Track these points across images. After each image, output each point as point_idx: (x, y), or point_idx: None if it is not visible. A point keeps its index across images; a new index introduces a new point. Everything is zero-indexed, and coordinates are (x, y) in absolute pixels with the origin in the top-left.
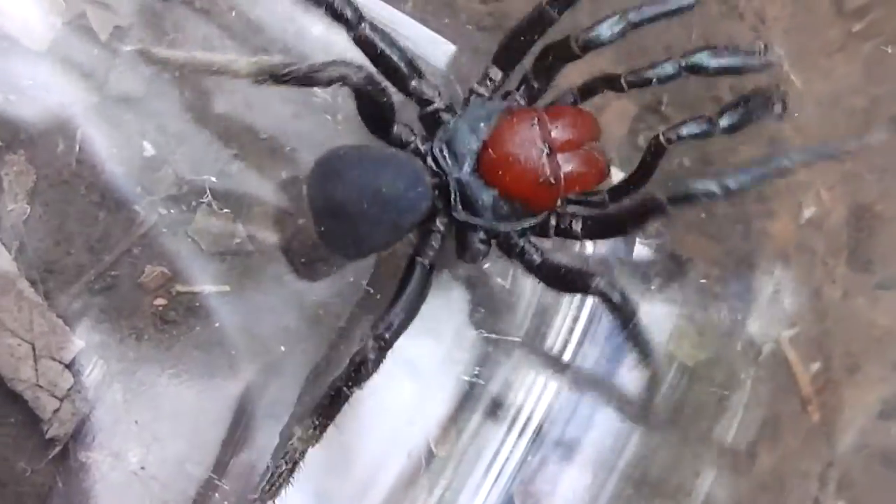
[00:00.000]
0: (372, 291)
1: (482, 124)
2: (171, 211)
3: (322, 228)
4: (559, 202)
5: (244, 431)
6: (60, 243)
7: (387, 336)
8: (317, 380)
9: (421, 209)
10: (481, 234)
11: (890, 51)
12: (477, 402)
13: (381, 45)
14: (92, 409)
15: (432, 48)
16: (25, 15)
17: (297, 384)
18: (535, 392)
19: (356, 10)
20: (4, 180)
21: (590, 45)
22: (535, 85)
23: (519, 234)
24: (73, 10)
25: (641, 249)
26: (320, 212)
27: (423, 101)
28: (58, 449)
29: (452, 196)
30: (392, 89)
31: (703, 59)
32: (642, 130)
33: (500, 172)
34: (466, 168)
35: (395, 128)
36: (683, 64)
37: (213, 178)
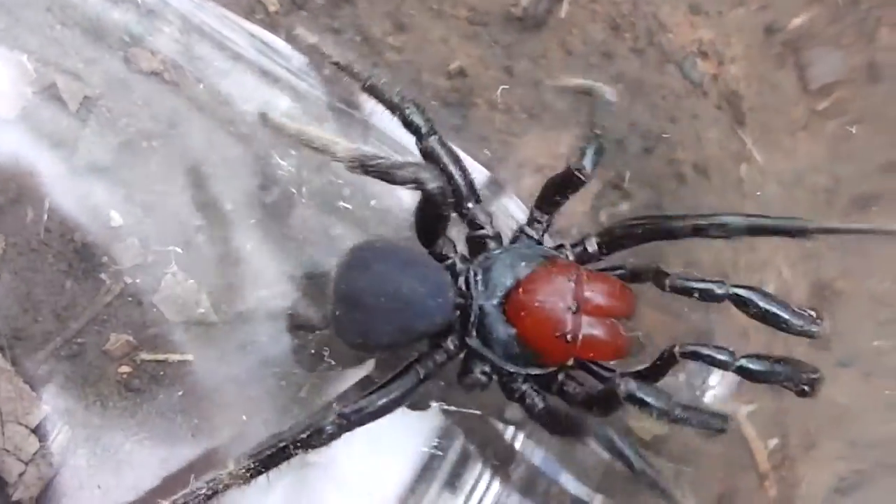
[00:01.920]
0: (333, 363)
1: (523, 263)
2: (137, 280)
3: (337, 313)
4: (570, 362)
5: None
6: (28, 310)
7: (352, 418)
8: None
9: (437, 321)
10: (486, 367)
11: (854, 130)
12: (436, 472)
13: (446, 160)
14: (57, 474)
15: None
16: None
17: None
18: (493, 463)
19: (429, 120)
20: None
21: (701, 232)
22: (592, 248)
23: (522, 380)
24: (43, 80)
25: None
26: (341, 297)
27: (474, 225)
28: None
29: (471, 321)
30: None
31: (754, 297)
32: (604, 206)
33: (523, 314)
34: (494, 300)
35: (441, 240)
36: (731, 293)
37: (179, 249)
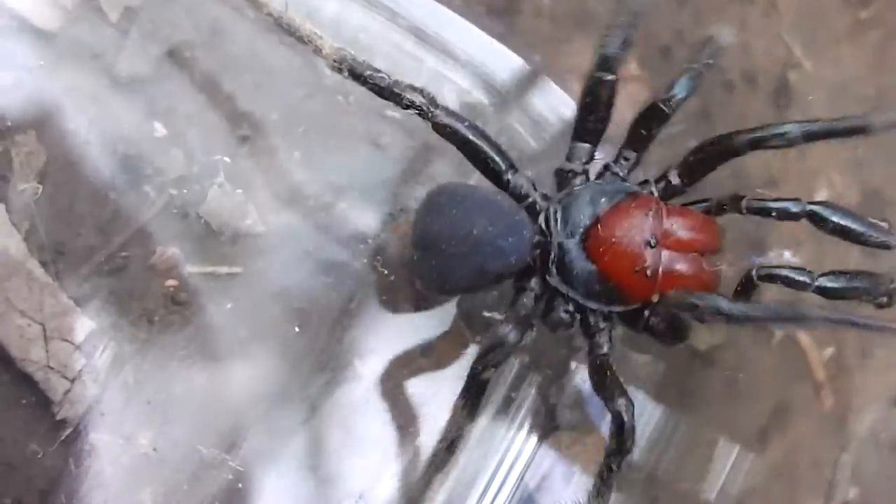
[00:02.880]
0: (386, 272)
1: (604, 199)
2: (183, 192)
3: (414, 258)
4: (654, 298)
5: (255, 413)
6: (71, 224)
7: (511, 339)
8: (329, 364)
9: (510, 261)
10: (569, 306)
11: (893, 41)
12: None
13: (463, 130)
14: (103, 391)
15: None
16: None
17: (308, 366)
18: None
19: (426, 94)
20: (15, 161)
21: (760, 144)
22: (675, 181)
23: (604, 318)
24: None
25: None
26: (418, 241)
27: (570, 159)
28: (69, 431)
29: (551, 259)
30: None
31: (826, 211)
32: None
33: (602, 249)
34: (574, 237)
35: (514, 177)
36: (807, 210)
37: (226, 159)
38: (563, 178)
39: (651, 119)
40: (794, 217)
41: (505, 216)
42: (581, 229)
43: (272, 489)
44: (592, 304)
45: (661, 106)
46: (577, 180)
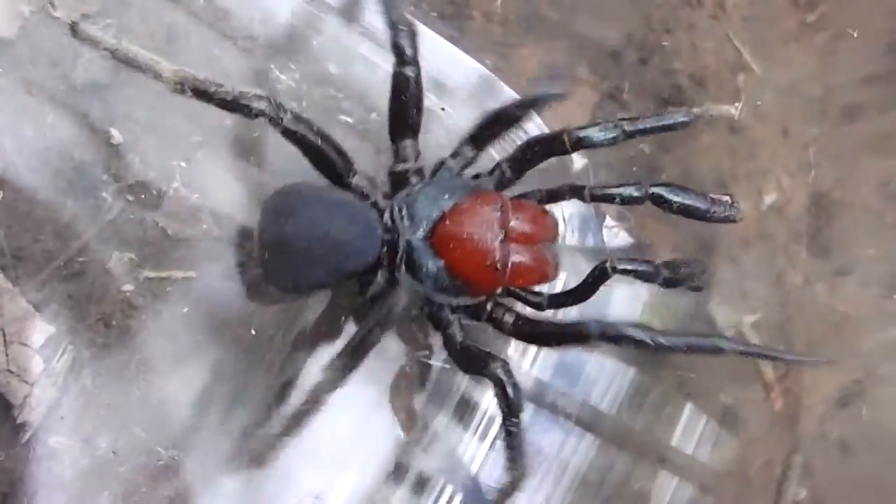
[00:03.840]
0: None
1: (446, 195)
2: (140, 197)
3: (266, 257)
4: (499, 290)
5: (213, 415)
6: (29, 230)
7: None
8: (283, 367)
9: (364, 259)
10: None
11: (839, 43)
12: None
13: (310, 135)
14: (62, 395)
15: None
16: None
17: (264, 368)
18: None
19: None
20: None
21: (581, 145)
22: (508, 174)
23: (451, 310)
24: None
25: (609, 233)
26: (268, 242)
27: (399, 159)
28: (29, 434)
29: (399, 256)
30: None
31: (668, 193)
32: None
33: (451, 245)
34: (420, 233)
35: (355, 178)
36: (648, 192)
37: (183, 164)
38: (398, 177)
39: (504, 124)
40: (637, 201)
41: (358, 215)
42: (428, 226)
43: (231, 490)
44: (440, 298)
45: (515, 111)
46: (415, 178)
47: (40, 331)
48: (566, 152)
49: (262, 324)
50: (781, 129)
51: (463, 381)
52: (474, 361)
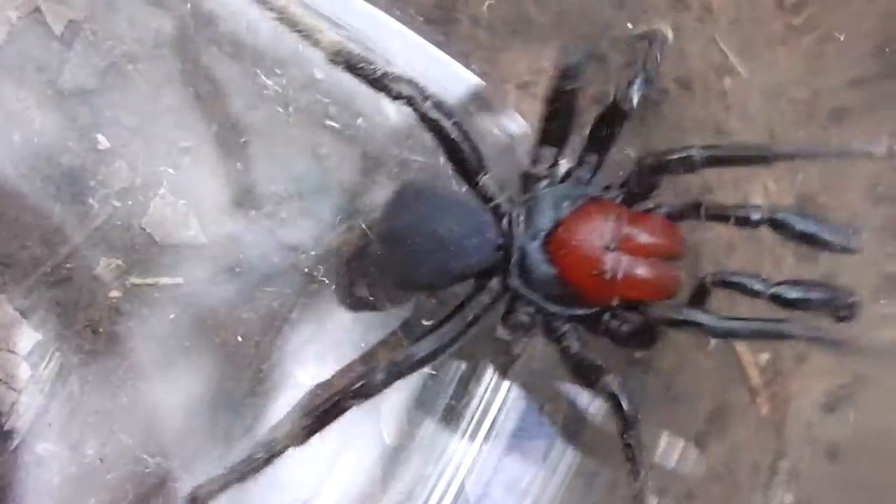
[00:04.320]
0: (326, 282)
1: (566, 203)
2: (127, 203)
3: (379, 251)
4: (614, 301)
5: (200, 421)
6: (16, 236)
7: (403, 366)
8: (271, 372)
9: (473, 262)
10: (529, 308)
11: (826, 46)
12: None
13: (448, 126)
14: (49, 402)
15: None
16: None
17: (251, 375)
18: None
19: (416, 86)
20: None
21: (710, 164)
22: (637, 189)
23: (565, 320)
24: (28, 5)
25: None
26: (384, 235)
27: (535, 163)
28: (16, 442)
29: (513, 261)
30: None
31: (792, 219)
32: (588, 123)
33: (563, 253)
34: (536, 240)
35: (483, 179)
36: (768, 216)
37: (169, 170)
38: (528, 181)
39: (611, 119)
40: (754, 224)
41: (470, 217)
42: (543, 232)
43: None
44: (552, 307)
45: (621, 106)
46: (542, 184)
47: (27, 337)
48: (692, 171)
49: (249, 330)
50: (768, 131)
51: (450, 387)
52: (585, 374)
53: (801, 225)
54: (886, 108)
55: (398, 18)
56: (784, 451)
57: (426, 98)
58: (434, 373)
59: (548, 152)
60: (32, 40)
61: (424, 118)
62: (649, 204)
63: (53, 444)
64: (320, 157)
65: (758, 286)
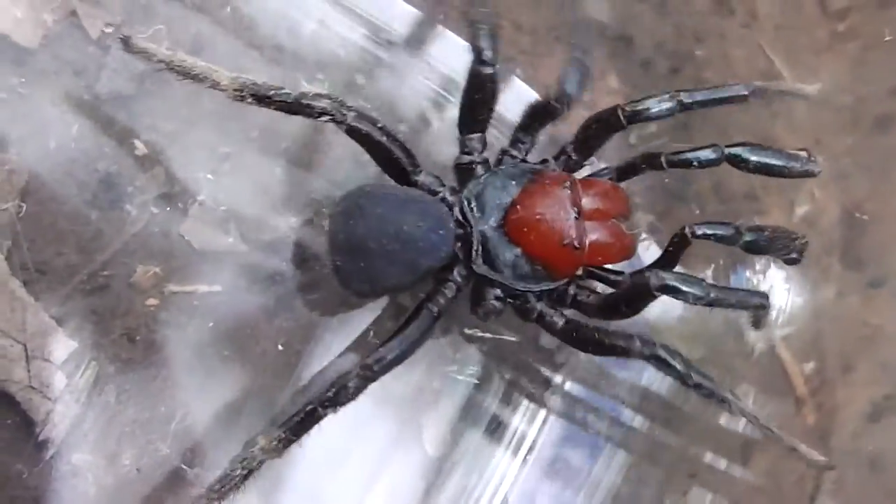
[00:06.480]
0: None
1: (514, 182)
2: (165, 210)
3: (338, 263)
4: (580, 270)
5: (238, 432)
6: (52, 243)
7: (374, 368)
8: (312, 382)
9: (440, 255)
10: (498, 292)
11: (870, 53)
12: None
13: (374, 132)
14: (85, 411)
15: None
16: (16, 12)
17: (292, 384)
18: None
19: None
20: None
21: (636, 118)
22: (574, 157)
23: (536, 297)
24: (64, 8)
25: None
26: (338, 246)
27: (465, 152)
28: (52, 451)
29: (474, 248)
30: (391, 130)
31: (745, 152)
32: (634, 127)
33: (526, 230)
34: (492, 222)
35: (421, 175)
36: (724, 153)
37: (209, 176)
38: (464, 170)
39: (546, 112)
40: (715, 163)
41: (430, 211)
42: (499, 214)
43: None
44: (521, 286)
45: (554, 104)
46: (480, 169)
47: (63, 346)
48: (622, 127)
49: (290, 339)
50: (814, 139)
51: (495, 400)
52: (606, 344)
53: (756, 156)
54: None
55: (441, 22)
56: (830, 461)
57: (347, 110)
58: (478, 381)
59: (474, 138)
60: (69, 44)
61: (350, 131)
62: (587, 171)
63: (89, 454)
64: (362, 164)
65: (730, 233)
